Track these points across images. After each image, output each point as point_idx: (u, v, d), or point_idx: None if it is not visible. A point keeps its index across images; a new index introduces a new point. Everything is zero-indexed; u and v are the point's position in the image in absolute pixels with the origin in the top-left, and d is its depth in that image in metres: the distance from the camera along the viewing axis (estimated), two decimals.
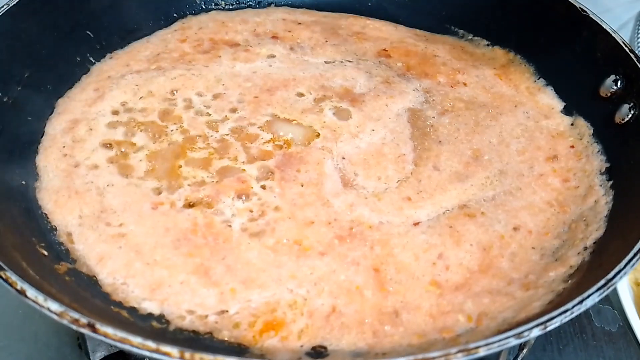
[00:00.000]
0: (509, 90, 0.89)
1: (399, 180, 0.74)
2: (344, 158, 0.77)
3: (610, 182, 0.74)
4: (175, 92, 0.84)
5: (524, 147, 0.80)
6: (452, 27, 1.00)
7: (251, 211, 0.69)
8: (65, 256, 0.65)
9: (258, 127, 0.80)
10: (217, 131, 0.79)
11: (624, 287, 0.80)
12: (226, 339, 0.59)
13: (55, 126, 0.78)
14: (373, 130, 0.81)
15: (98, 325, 0.47)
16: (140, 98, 0.82)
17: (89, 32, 0.88)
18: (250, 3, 1.03)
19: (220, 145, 0.77)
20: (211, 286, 0.62)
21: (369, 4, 1.04)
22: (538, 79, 0.90)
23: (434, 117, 0.83)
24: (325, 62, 0.92)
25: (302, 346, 0.59)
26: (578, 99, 0.84)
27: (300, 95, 0.85)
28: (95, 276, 0.63)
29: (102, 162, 0.74)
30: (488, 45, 0.97)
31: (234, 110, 0.82)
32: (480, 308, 0.61)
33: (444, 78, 0.90)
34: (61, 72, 0.84)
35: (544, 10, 0.91)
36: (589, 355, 0.82)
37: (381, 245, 0.67)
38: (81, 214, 0.68)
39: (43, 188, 0.71)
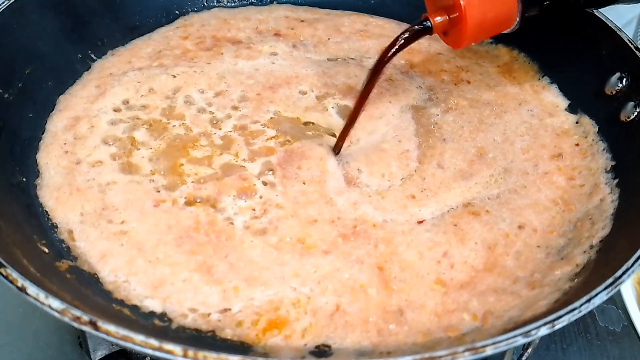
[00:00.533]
0: (513, 88, 0.89)
1: (402, 178, 0.74)
2: (347, 155, 0.76)
3: (616, 181, 0.73)
4: (177, 89, 0.83)
5: (528, 145, 0.79)
6: None
7: (253, 209, 0.69)
8: (67, 254, 0.65)
9: (261, 125, 0.79)
10: (220, 128, 0.78)
11: (627, 287, 0.80)
12: (229, 337, 0.58)
13: (57, 123, 0.78)
14: (376, 127, 0.80)
15: (100, 323, 0.47)
16: (142, 95, 0.82)
17: (90, 29, 0.88)
18: (253, 0, 1.03)
19: (222, 142, 0.77)
20: (214, 284, 0.62)
21: (372, 2, 1.04)
22: (542, 77, 0.90)
23: (437, 115, 0.83)
24: (328, 59, 0.91)
25: (305, 345, 0.58)
26: (583, 97, 0.84)
27: (303, 93, 0.85)
28: (96, 274, 0.63)
29: (104, 159, 0.74)
30: (492, 43, 0.96)
31: (236, 108, 0.81)
32: (485, 307, 0.61)
33: (447, 76, 0.90)
34: (62, 69, 0.83)
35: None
36: (593, 354, 0.81)
37: (385, 243, 0.66)
38: (82, 211, 0.68)
39: (44, 185, 0.71)
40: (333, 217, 0.68)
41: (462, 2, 0.65)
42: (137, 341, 0.46)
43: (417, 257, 0.65)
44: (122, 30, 0.92)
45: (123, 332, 0.47)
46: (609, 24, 0.81)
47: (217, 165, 0.74)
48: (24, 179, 0.71)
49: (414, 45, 0.94)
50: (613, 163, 0.75)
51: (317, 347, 0.58)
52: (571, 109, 0.85)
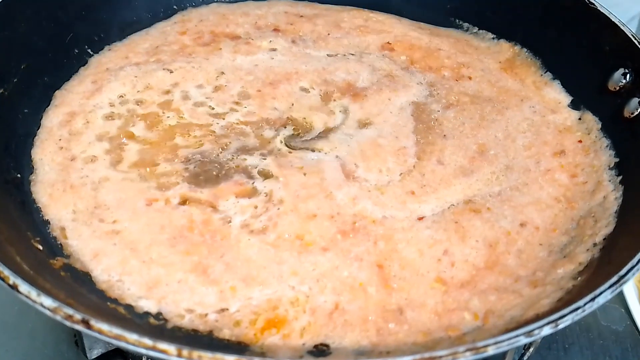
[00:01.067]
0: (515, 85, 0.88)
1: (401, 174, 0.73)
2: (342, 149, 0.75)
3: (620, 178, 0.72)
4: (174, 84, 0.82)
5: (530, 142, 0.78)
6: (457, 21, 0.99)
7: (255, 207, 0.68)
8: (60, 251, 0.64)
9: (259, 119, 0.78)
10: (217, 125, 0.77)
11: (629, 286, 0.79)
12: (227, 337, 0.57)
13: (52, 119, 0.77)
14: (372, 123, 0.79)
15: (93, 322, 0.46)
16: (139, 91, 0.81)
17: (87, 24, 0.87)
18: None
19: (219, 139, 0.76)
20: (210, 284, 0.61)
21: None
22: (544, 73, 0.88)
23: (438, 111, 0.81)
24: (327, 55, 0.90)
25: (304, 344, 0.57)
26: (585, 93, 0.83)
27: (304, 89, 0.84)
28: (89, 273, 0.62)
29: (98, 155, 0.73)
30: (493, 38, 0.95)
31: (235, 103, 0.80)
32: (486, 306, 0.60)
33: (448, 72, 0.89)
34: (58, 64, 0.82)
35: (551, 3, 0.89)
36: (595, 354, 0.80)
37: (385, 240, 0.65)
38: (75, 208, 0.67)
39: (38, 181, 0.70)
40: (332, 212, 0.67)
41: None
42: (131, 340, 0.45)
43: (417, 254, 0.64)
44: (119, 25, 0.91)
45: (116, 331, 0.46)
46: (613, 19, 0.80)
47: (216, 162, 0.73)
48: (19, 175, 0.70)
49: (414, 41, 0.93)
50: (616, 160, 0.74)
51: (316, 346, 0.57)
52: (574, 105, 0.84)
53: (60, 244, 0.64)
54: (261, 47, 0.90)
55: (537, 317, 0.55)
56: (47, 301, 0.48)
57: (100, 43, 0.88)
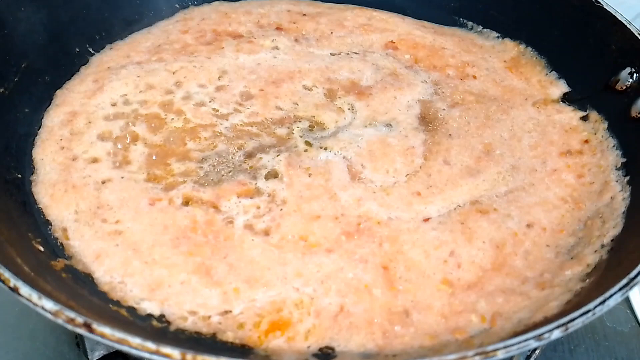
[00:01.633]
0: (520, 84, 0.87)
1: (407, 174, 0.72)
2: (350, 150, 0.74)
3: (627, 178, 0.71)
4: (177, 84, 0.81)
5: (536, 141, 0.78)
6: (461, 19, 0.98)
7: (258, 207, 0.67)
8: (61, 252, 0.63)
9: (262, 119, 0.78)
10: (220, 125, 0.77)
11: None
12: (230, 340, 0.56)
13: (53, 118, 0.76)
14: (380, 122, 0.78)
15: (95, 325, 0.45)
16: (141, 90, 0.80)
17: (88, 22, 0.86)
18: None
19: (221, 138, 0.75)
20: (213, 286, 0.60)
21: None
22: (550, 72, 0.88)
23: (444, 110, 0.81)
24: (330, 54, 0.90)
25: (309, 347, 0.56)
26: (592, 93, 0.82)
27: (307, 88, 0.83)
28: (91, 274, 0.61)
29: (100, 155, 0.72)
30: (498, 37, 0.95)
31: (237, 103, 0.80)
32: (494, 308, 0.59)
33: (453, 71, 0.88)
34: (59, 63, 0.82)
35: (556, 2, 0.88)
36: (601, 355, 0.80)
37: (390, 241, 0.64)
38: (77, 209, 0.66)
39: (39, 181, 0.69)
40: (337, 214, 0.67)
41: None
42: (134, 344, 0.44)
43: (423, 256, 0.63)
44: (120, 24, 0.90)
45: (119, 334, 0.45)
46: (619, 17, 0.79)
47: (216, 161, 0.72)
48: (20, 175, 0.69)
49: (418, 39, 0.93)
50: (624, 160, 0.73)
51: (321, 349, 0.56)
52: (580, 104, 0.83)
53: (62, 245, 0.64)
54: (264, 45, 0.89)
55: (546, 320, 0.54)
56: (49, 304, 0.47)
57: (102, 42, 0.88)
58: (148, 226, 0.65)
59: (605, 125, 0.78)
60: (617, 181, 0.72)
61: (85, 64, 0.84)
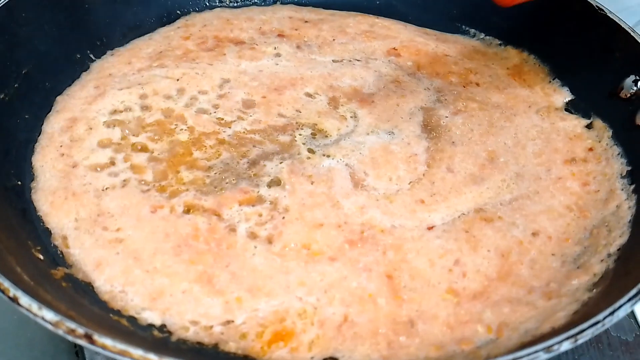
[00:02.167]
0: (523, 91, 0.86)
1: (411, 182, 0.71)
2: (353, 157, 0.73)
3: (632, 186, 0.71)
4: (178, 90, 0.81)
5: (540, 149, 0.77)
6: (463, 26, 0.98)
7: (260, 215, 0.66)
8: (62, 261, 0.62)
9: (265, 126, 0.77)
10: (223, 132, 0.76)
11: None
12: (233, 350, 0.56)
13: (53, 124, 0.75)
14: (383, 129, 0.78)
15: (96, 337, 0.44)
16: (142, 97, 0.79)
17: (89, 28, 0.86)
18: (256, 1, 1.01)
19: (223, 145, 0.74)
20: (215, 295, 0.59)
21: (378, 2, 1.02)
22: (553, 80, 0.87)
23: (447, 117, 0.80)
24: (333, 60, 0.89)
25: (312, 358, 0.56)
26: (595, 100, 0.82)
27: (309, 95, 0.82)
28: (91, 283, 0.60)
29: (101, 162, 0.71)
30: (501, 44, 0.94)
31: (240, 110, 0.79)
32: (500, 318, 0.58)
33: (455, 78, 0.87)
34: (60, 69, 0.81)
35: (559, 9, 0.88)
36: None
37: (394, 250, 0.64)
38: (77, 217, 0.65)
39: (39, 189, 0.68)
40: (340, 222, 0.66)
41: None
42: (136, 356, 0.44)
43: (428, 265, 0.63)
44: (122, 30, 0.90)
45: (120, 346, 0.44)
46: (623, 25, 0.79)
47: (219, 169, 0.71)
48: (19, 182, 0.69)
49: (420, 46, 0.92)
50: (629, 168, 0.73)
51: None
52: (584, 112, 0.82)
53: (62, 254, 0.63)
54: (266, 52, 0.89)
55: (554, 331, 0.53)
56: (49, 315, 0.46)
57: (103, 48, 0.87)
58: (149, 234, 0.64)
59: (610, 133, 0.78)
60: (622, 189, 0.71)
61: (86, 70, 0.84)
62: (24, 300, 0.47)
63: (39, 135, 0.74)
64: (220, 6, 0.99)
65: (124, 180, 0.69)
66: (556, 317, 0.56)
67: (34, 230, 0.65)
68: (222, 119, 0.77)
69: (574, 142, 0.79)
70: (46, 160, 0.71)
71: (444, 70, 0.89)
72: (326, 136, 0.77)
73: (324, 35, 0.93)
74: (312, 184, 0.69)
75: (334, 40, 0.93)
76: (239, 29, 0.93)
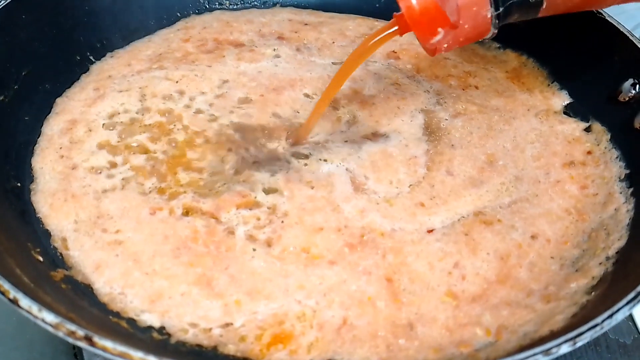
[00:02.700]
0: (522, 94, 0.87)
1: (411, 185, 0.71)
2: (353, 160, 0.74)
3: (631, 190, 0.71)
4: (177, 92, 0.81)
5: (539, 152, 0.77)
6: None
7: (258, 219, 0.66)
8: (61, 262, 0.62)
9: (264, 127, 0.77)
10: (222, 132, 0.76)
11: None
12: (232, 353, 0.56)
13: (53, 126, 0.76)
14: (384, 132, 0.78)
15: (96, 339, 0.45)
16: (142, 98, 0.80)
17: (89, 30, 0.86)
18: (255, 3, 1.01)
19: (224, 146, 0.74)
20: (214, 298, 0.59)
21: (377, 5, 1.02)
22: (552, 83, 0.88)
23: (446, 119, 0.80)
24: (332, 63, 0.89)
25: None
26: (594, 104, 0.82)
27: (308, 96, 0.82)
28: (91, 285, 0.60)
29: (100, 164, 0.71)
30: (499, 48, 0.94)
31: (239, 110, 0.79)
32: (499, 321, 0.58)
33: (455, 81, 0.88)
34: (60, 71, 0.81)
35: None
36: None
37: (394, 253, 0.64)
38: (77, 218, 0.66)
39: (39, 190, 0.68)
40: (340, 225, 0.66)
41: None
42: (136, 358, 0.44)
43: (427, 268, 0.63)
44: (121, 32, 0.90)
45: (120, 348, 0.44)
46: (621, 29, 0.79)
47: (219, 170, 0.71)
48: (19, 184, 0.69)
49: (419, 49, 0.92)
50: (627, 171, 0.73)
51: None
52: (582, 115, 0.83)
53: (61, 255, 0.63)
54: (265, 54, 0.89)
55: (552, 334, 0.53)
56: (49, 317, 0.46)
57: (103, 50, 0.87)
58: (148, 236, 0.64)
59: (609, 136, 0.78)
60: (621, 193, 0.71)
61: (86, 72, 0.84)
62: (24, 302, 0.47)
63: (38, 137, 0.74)
64: (220, 9, 0.99)
65: (123, 183, 0.69)
66: (555, 320, 0.56)
67: (34, 232, 0.65)
68: (220, 120, 0.77)
69: (572, 145, 0.79)
70: (46, 162, 0.71)
71: (443, 73, 0.89)
72: (319, 136, 0.76)
73: (323, 37, 0.93)
74: (312, 188, 0.69)
75: (333, 43, 0.93)
76: (239, 32, 0.93)
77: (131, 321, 0.58)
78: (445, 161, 0.75)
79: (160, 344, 0.56)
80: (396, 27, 0.68)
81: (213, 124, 0.76)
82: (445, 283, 0.62)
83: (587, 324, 0.48)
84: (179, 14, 0.96)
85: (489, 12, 0.63)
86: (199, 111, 0.79)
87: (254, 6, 1.01)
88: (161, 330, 0.57)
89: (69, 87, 0.81)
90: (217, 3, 0.99)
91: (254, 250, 0.63)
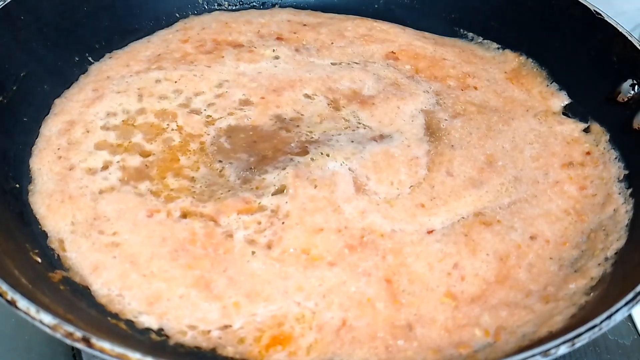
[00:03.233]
0: (521, 95, 0.87)
1: (411, 186, 0.71)
2: (355, 161, 0.73)
3: (630, 190, 0.71)
4: (176, 92, 0.81)
5: (538, 153, 0.77)
6: (461, 30, 0.98)
7: (259, 223, 0.66)
8: (59, 264, 0.62)
9: (265, 128, 0.77)
10: (220, 134, 0.76)
11: None
12: (231, 355, 0.55)
13: (51, 127, 0.75)
14: (385, 132, 0.78)
15: (94, 340, 0.44)
16: (140, 99, 0.79)
17: (88, 31, 0.86)
18: (254, 4, 1.01)
19: (222, 147, 0.74)
20: (213, 300, 0.59)
21: (376, 6, 1.02)
22: (551, 83, 0.88)
23: (446, 120, 0.80)
24: (331, 63, 0.89)
25: None
26: (593, 104, 0.82)
27: (307, 96, 0.82)
28: (88, 287, 0.60)
29: (98, 165, 0.71)
30: (498, 48, 0.94)
31: (239, 110, 0.79)
32: (497, 321, 0.58)
33: (454, 81, 0.88)
34: (59, 72, 0.81)
35: (557, 13, 0.88)
36: None
37: (394, 254, 0.64)
38: (74, 220, 0.65)
39: (36, 191, 0.68)
40: (340, 226, 0.66)
41: None
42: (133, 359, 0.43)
43: (427, 268, 0.63)
44: (120, 33, 0.90)
45: (118, 349, 0.44)
46: (620, 29, 0.79)
47: (218, 170, 0.71)
48: (17, 185, 0.69)
49: (418, 50, 0.92)
50: (626, 172, 0.73)
51: None
52: (581, 116, 0.83)
53: (59, 257, 0.63)
54: (264, 55, 0.89)
55: (551, 335, 0.53)
56: (47, 318, 0.46)
57: (101, 51, 0.87)
58: (146, 238, 0.64)
59: (607, 137, 0.78)
60: (619, 193, 0.71)
61: (84, 73, 0.84)
62: (22, 303, 0.47)
63: (36, 138, 0.74)
64: (219, 9, 0.99)
65: (120, 184, 0.69)
66: (554, 320, 0.56)
67: (32, 233, 0.64)
68: (218, 122, 0.77)
69: (571, 146, 0.79)
70: (43, 163, 0.71)
71: (442, 74, 0.89)
72: (321, 134, 0.76)
73: (322, 38, 0.93)
74: (315, 187, 0.69)
75: (332, 43, 0.93)
76: (238, 32, 0.93)
77: (129, 323, 0.57)
78: (445, 162, 0.75)
79: (158, 346, 0.55)
80: None
81: (214, 130, 0.76)
82: (445, 284, 0.62)
83: (586, 325, 0.48)
84: (177, 15, 0.96)
85: None
86: (198, 113, 0.78)
87: (253, 7, 1.01)
88: (159, 332, 0.57)
89: (68, 88, 0.81)
90: (215, 4, 0.99)
91: (253, 252, 0.63)
